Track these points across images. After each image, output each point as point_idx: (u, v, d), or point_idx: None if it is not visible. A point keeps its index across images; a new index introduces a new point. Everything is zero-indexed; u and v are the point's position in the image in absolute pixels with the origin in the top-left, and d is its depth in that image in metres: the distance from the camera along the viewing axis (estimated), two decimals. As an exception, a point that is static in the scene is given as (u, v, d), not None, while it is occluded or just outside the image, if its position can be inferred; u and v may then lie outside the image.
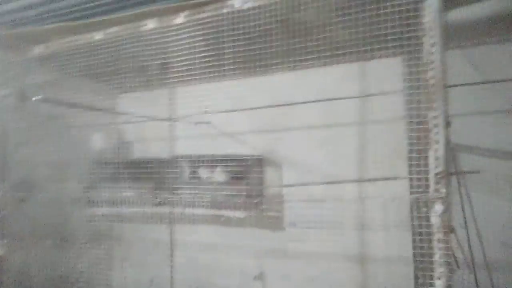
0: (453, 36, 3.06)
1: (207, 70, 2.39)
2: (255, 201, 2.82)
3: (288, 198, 3.11)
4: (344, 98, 2.81)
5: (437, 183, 1.87)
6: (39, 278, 2.94)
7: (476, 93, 3.05)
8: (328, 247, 2.70)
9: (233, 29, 2.18)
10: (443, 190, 1.86)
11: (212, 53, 2.28)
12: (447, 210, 1.85)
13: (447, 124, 1.87)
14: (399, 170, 2.23)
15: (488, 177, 3.03)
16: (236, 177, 3.16)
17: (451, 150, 3.09)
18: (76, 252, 2.84)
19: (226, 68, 2.37)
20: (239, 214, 2.78)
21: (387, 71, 2.76)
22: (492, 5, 2.57)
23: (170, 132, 3.35)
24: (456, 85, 2.99)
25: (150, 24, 2.41)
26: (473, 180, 3.04)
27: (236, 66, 2.36)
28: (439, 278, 1.86)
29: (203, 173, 3.41)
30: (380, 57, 2.94)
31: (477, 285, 2.95)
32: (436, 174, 1.87)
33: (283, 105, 3.01)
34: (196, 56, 2.30)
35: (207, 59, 2.34)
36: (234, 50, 2.27)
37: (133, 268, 3.38)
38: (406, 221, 2.07)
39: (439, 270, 1.86)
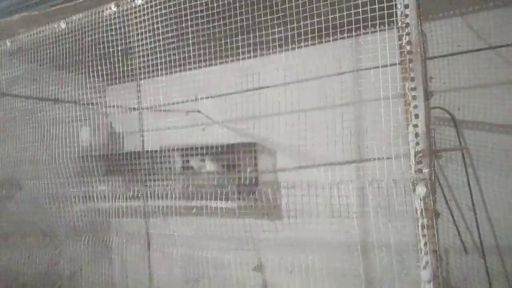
0: (453, 2, 2.82)
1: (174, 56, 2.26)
2: (250, 189, 2.68)
3: (284, 185, 2.97)
4: (335, 75, 2.63)
5: (418, 162, 1.66)
6: (27, 275, 2.93)
7: (481, 63, 2.83)
8: (326, 235, 2.58)
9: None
10: (426, 171, 1.66)
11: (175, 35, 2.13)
12: (430, 193, 1.65)
13: (427, 96, 1.66)
14: (399, 150, 2.07)
15: (496, 155, 2.82)
16: (229, 166, 3.03)
17: (455, 126, 2.88)
18: (58, 248, 2.80)
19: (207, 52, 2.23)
20: (233, 204, 2.65)
21: (376, 45, 2.56)
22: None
23: (160, 123, 3.23)
24: (456, 54, 2.76)
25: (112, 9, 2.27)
26: (482, 158, 2.84)
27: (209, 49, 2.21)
28: (424, 268, 1.67)
29: (195, 163, 3.30)
30: (373, 31, 2.74)
31: (487, 271, 2.76)
32: (417, 152, 1.66)
33: (274, 86, 2.85)
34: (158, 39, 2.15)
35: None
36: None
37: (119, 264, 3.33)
38: (394, 205, 1.89)
39: (425, 259, 1.68)
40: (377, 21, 1.94)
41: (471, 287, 2.76)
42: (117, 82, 2.49)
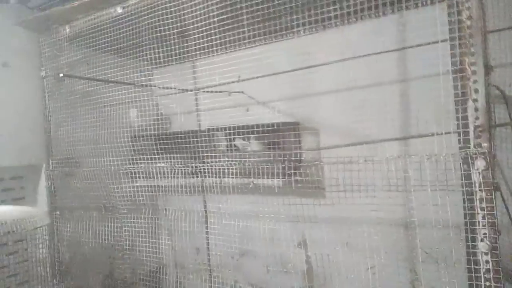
0: None
1: (229, 39, 2.32)
2: (294, 167, 2.75)
3: (327, 162, 3.02)
4: (381, 53, 2.61)
5: (477, 137, 1.68)
6: (89, 246, 3.15)
7: None
8: (367, 211, 2.61)
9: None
10: (485, 145, 1.67)
11: (231, 20, 2.19)
12: (489, 167, 1.67)
13: (488, 70, 1.66)
14: (446, 127, 2.04)
15: None
16: (273, 145, 3.10)
17: (506, 103, 2.81)
18: (121, 222, 2.99)
19: (248, 34, 2.28)
20: (277, 182, 2.73)
21: (427, 20, 2.52)
22: None
23: (203, 104, 3.33)
24: (496, 31, 2.67)
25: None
26: None
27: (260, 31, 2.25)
28: (482, 240, 1.71)
29: (240, 143, 3.39)
30: (419, 5, 2.69)
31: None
32: (476, 127, 1.68)
33: (316, 66, 2.86)
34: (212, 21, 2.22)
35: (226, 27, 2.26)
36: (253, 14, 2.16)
37: (178, 238, 3.50)
38: (450, 181, 1.91)
39: (483, 231, 1.71)
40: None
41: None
42: (172, 62, 2.59)
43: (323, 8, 2.13)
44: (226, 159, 2.91)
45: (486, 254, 1.71)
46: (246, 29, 2.26)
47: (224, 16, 2.20)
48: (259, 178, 2.85)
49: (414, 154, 1.97)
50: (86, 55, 2.94)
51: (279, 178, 2.85)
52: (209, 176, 2.70)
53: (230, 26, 2.21)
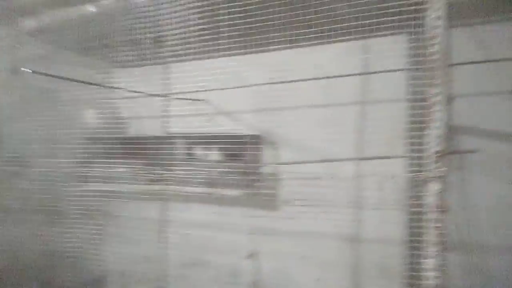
0: (458, 13, 2.96)
1: (203, 45, 2.33)
2: (251, 179, 2.79)
3: (285, 177, 3.09)
4: (345, 76, 2.75)
5: (436, 162, 1.83)
6: (31, 252, 2.95)
7: (479, 73, 2.97)
8: (322, 226, 2.69)
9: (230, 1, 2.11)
10: (442, 169, 1.82)
11: (208, 26, 2.21)
12: (444, 189, 1.82)
13: (449, 102, 1.82)
14: (398, 150, 2.19)
15: (487, 159, 2.98)
16: (232, 156, 3.13)
17: (451, 131, 3.05)
18: (67, 227, 2.83)
19: (222, 42, 2.30)
20: (234, 192, 2.75)
21: (390, 49, 2.69)
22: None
23: (164, 109, 3.29)
24: (459, 64, 2.92)
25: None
26: (472, 161, 2.99)
27: (232, 40, 2.29)
28: (432, 258, 1.84)
29: (199, 151, 3.37)
30: (383, 34, 2.87)
31: (470, 268, 2.95)
32: (436, 152, 1.83)
33: (281, 82, 2.95)
34: (191, 29, 2.23)
35: (202, 33, 2.28)
36: (230, 23, 2.20)
37: (127, 245, 3.38)
38: (402, 201, 2.04)
39: (432, 249, 1.85)
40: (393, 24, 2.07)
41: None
42: (139, 65, 2.55)
43: (297, 29, 2.22)
44: (187, 167, 2.90)
45: (434, 270, 1.85)
46: (220, 41, 2.29)
47: (201, 26, 2.22)
48: (218, 188, 2.87)
49: (372, 174, 2.09)
50: (47, 51, 2.80)
51: (237, 189, 2.88)
52: (168, 184, 2.66)
53: (205, 36, 2.23)
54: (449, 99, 1.82)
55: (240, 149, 3.07)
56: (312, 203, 2.33)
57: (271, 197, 2.99)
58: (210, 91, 3.01)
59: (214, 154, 3.30)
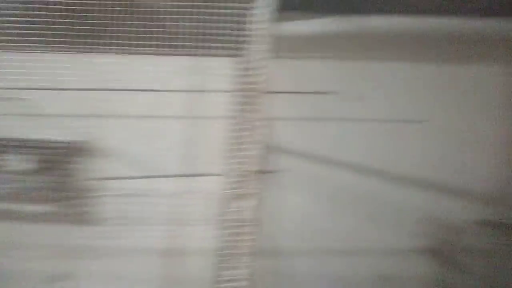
0: (284, 46, 3.30)
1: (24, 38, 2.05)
2: (63, 194, 2.53)
3: (103, 192, 2.91)
4: (173, 91, 2.78)
5: (253, 180, 2.01)
6: None
7: (295, 101, 3.35)
8: (138, 243, 2.63)
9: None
10: (258, 187, 2.01)
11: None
12: (258, 204, 2.01)
13: (267, 124, 2.02)
14: (219, 168, 2.33)
15: (296, 176, 3.37)
16: (44, 166, 2.79)
17: (267, 151, 3.40)
18: None
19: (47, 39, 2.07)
20: (43, 208, 2.44)
21: (220, 70, 2.84)
22: (321, 24, 2.87)
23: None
24: (278, 92, 3.27)
25: None
26: (284, 178, 3.34)
27: (58, 39, 2.07)
28: (246, 268, 2.00)
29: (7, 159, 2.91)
30: (213, 55, 3.01)
31: (276, 272, 3.29)
32: (254, 171, 2.00)
33: (110, 90, 2.80)
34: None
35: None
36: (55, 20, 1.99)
37: None
38: (220, 216, 2.17)
39: (246, 259, 2.01)
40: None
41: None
42: None
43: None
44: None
45: (245, 280, 2.01)
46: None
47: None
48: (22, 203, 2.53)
49: (191, 191, 2.16)
50: None
51: (46, 204, 2.60)
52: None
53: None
54: (268, 122, 2.03)
55: (53, 159, 2.76)
56: (129, 220, 2.25)
57: (86, 214, 2.78)
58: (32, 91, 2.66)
59: (22, 164, 2.89)
